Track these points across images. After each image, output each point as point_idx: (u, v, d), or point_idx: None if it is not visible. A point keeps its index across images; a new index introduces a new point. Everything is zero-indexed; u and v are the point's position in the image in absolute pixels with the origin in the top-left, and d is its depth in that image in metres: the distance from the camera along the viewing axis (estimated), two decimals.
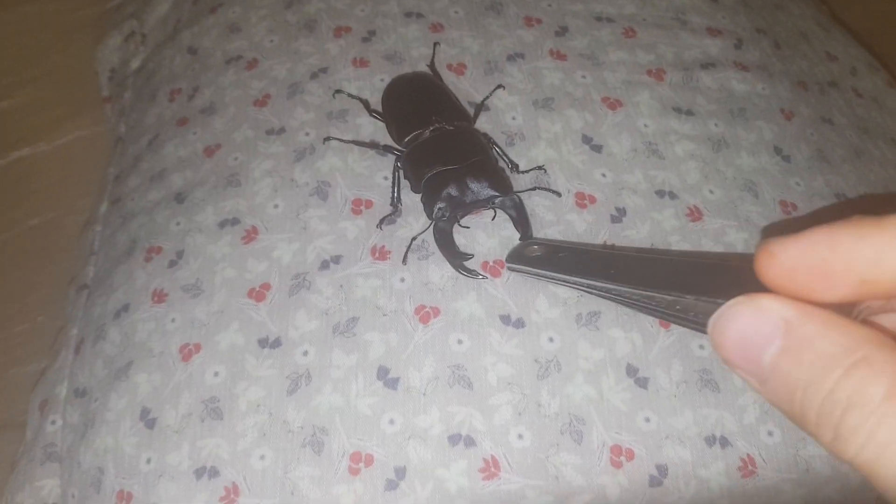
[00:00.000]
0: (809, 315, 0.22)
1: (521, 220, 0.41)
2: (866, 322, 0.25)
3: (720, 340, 0.24)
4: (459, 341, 0.39)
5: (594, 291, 0.34)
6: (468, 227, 0.43)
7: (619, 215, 0.44)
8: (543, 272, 0.37)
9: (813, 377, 0.21)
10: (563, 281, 0.35)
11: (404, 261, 0.42)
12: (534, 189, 0.44)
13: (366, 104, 0.49)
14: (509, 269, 0.39)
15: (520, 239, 0.41)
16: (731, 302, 0.24)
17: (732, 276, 0.25)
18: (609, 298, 0.34)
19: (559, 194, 0.44)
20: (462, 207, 0.41)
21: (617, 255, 0.35)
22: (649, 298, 0.30)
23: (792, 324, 0.22)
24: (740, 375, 0.24)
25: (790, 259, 0.23)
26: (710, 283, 0.28)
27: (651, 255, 0.35)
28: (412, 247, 0.42)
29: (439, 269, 0.41)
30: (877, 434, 0.20)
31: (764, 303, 0.23)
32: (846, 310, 0.24)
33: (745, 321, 0.23)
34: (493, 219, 0.43)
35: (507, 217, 0.42)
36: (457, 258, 0.40)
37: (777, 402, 0.23)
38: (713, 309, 0.25)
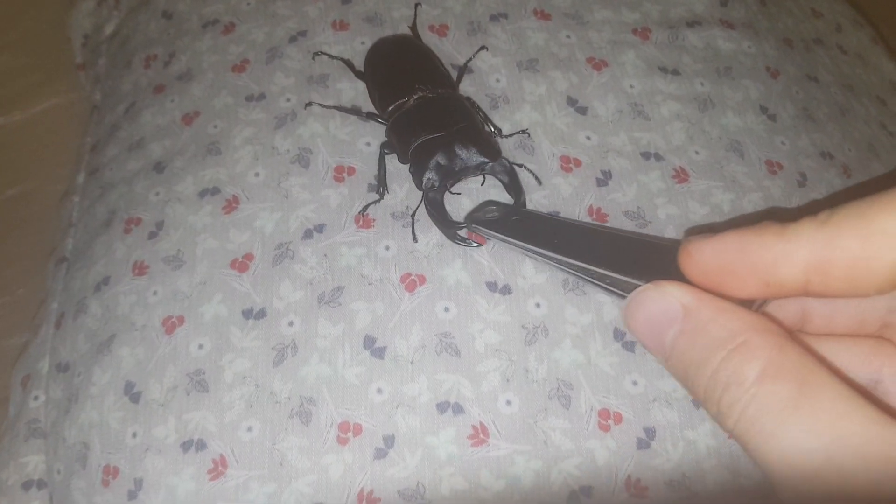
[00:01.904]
0: (705, 302, 0.25)
1: (513, 184, 0.41)
2: (764, 312, 0.27)
3: (631, 321, 0.27)
4: (446, 309, 0.39)
5: (539, 258, 0.36)
6: (458, 194, 0.42)
7: (604, 178, 0.44)
8: (496, 234, 0.37)
9: (703, 358, 0.24)
10: (513, 245, 0.37)
11: (415, 239, 0.41)
12: (521, 166, 0.43)
13: (349, 64, 0.48)
14: (468, 229, 0.40)
15: (514, 203, 0.41)
16: (641, 288, 0.27)
17: (665, 258, 0.27)
18: (553, 266, 0.35)
19: (540, 182, 0.43)
20: (452, 176, 0.40)
21: (563, 225, 0.37)
22: (585, 270, 0.32)
23: (689, 309, 0.25)
24: (650, 352, 0.27)
25: (704, 260, 0.26)
26: (641, 261, 0.30)
27: (594, 228, 0.37)
28: (401, 214, 0.41)
29: (424, 237, 0.41)
30: (748, 410, 0.23)
31: (668, 289, 0.26)
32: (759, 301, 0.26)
33: (651, 305, 0.26)
34: (482, 183, 0.42)
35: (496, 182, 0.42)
36: (450, 228, 0.40)
37: (677, 377, 0.26)
38: (635, 288, 0.28)
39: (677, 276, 0.27)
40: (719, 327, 0.24)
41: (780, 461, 0.22)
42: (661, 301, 0.26)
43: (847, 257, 0.23)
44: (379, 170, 0.43)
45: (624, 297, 0.30)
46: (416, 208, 0.41)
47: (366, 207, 0.42)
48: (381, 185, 0.43)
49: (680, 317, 0.25)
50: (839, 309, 0.28)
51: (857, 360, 0.28)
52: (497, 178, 0.41)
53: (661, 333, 0.26)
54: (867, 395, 0.25)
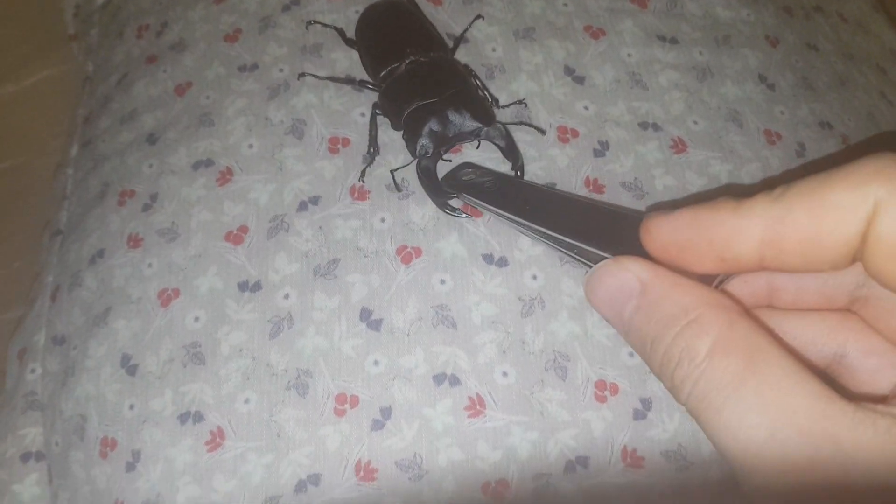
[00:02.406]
0: (661, 277, 0.26)
1: (509, 149, 0.40)
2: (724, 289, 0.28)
3: (591, 296, 0.28)
4: (442, 281, 0.39)
5: (511, 224, 0.36)
6: (450, 161, 0.42)
7: (602, 149, 0.43)
8: (470, 198, 0.38)
9: (658, 333, 0.25)
10: (485, 209, 0.37)
11: (398, 188, 0.41)
12: (518, 123, 0.43)
13: (341, 33, 0.47)
14: (460, 199, 0.39)
15: (511, 169, 0.41)
16: (602, 263, 0.27)
17: (635, 231, 0.27)
18: (523, 233, 0.36)
19: (543, 132, 0.43)
20: (446, 142, 0.40)
21: (535, 192, 0.37)
22: (554, 239, 0.32)
23: (646, 285, 0.26)
24: (611, 325, 0.28)
25: (662, 236, 0.26)
26: (611, 233, 0.30)
27: (565, 197, 0.37)
28: (394, 179, 0.41)
29: (420, 209, 0.41)
30: (698, 385, 0.23)
31: (626, 264, 0.26)
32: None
33: (610, 280, 0.27)
34: (477, 147, 0.42)
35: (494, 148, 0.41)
36: (441, 197, 0.40)
37: (636, 350, 0.26)
38: (600, 259, 0.29)
39: (644, 250, 0.27)
40: (673, 303, 0.25)
41: (726, 436, 0.23)
42: (619, 276, 0.26)
43: (799, 233, 0.23)
44: (370, 131, 0.42)
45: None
46: (401, 167, 0.41)
47: (362, 173, 0.42)
48: (371, 146, 0.42)
49: (637, 292, 0.26)
50: (807, 284, 0.28)
51: (822, 335, 0.29)
52: (493, 143, 0.41)
53: (620, 308, 0.26)
54: (817, 370, 0.25)
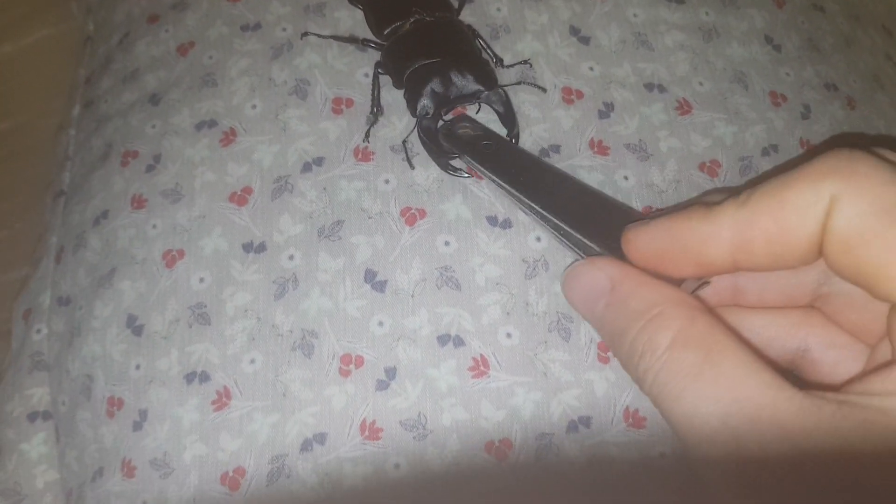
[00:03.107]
0: (630, 276, 0.28)
1: (507, 115, 0.40)
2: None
3: (568, 292, 0.30)
4: (446, 243, 0.39)
5: (502, 192, 0.37)
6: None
7: (606, 111, 0.43)
8: (472, 161, 0.38)
9: (623, 327, 0.27)
10: (485, 175, 0.37)
11: (411, 166, 0.41)
12: (519, 83, 0.43)
13: None
14: (462, 161, 0.39)
15: (507, 135, 0.41)
16: (577, 263, 0.30)
17: (619, 224, 0.29)
18: (518, 207, 0.36)
19: (545, 90, 0.43)
20: (447, 103, 0.40)
21: (532, 163, 0.37)
22: (543, 217, 0.34)
23: (615, 283, 0.28)
24: (586, 321, 0.30)
25: (641, 246, 0.28)
26: (597, 222, 0.32)
27: (561, 174, 0.37)
28: (401, 147, 0.41)
29: (424, 171, 0.41)
30: (659, 376, 0.25)
31: (599, 264, 0.29)
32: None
33: (584, 279, 0.29)
34: (477, 111, 0.42)
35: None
36: (443, 157, 0.40)
37: (607, 344, 0.29)
38: (586, 248, 0.31)
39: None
40: (639, 299, 0.27)
41: (683, 424, 0.24)
42: (592, 275, 0.29)
43: (764, 234, 0.24)
44: (373, 90, 0.42)
45: (576, 254, 0.33)
46: (409, 134, 0.41)
47: (366, 134, 0.42)
48: (374, 106, 0.42)
49: (608, 290, 0.28)
50: (770, 284, 0.30)
51: (785, 331, 0.30)
52: (492, 107, 0.41)
53: (593, 305, 0.29)
54: (772, 363, 0.27)
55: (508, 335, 0.38)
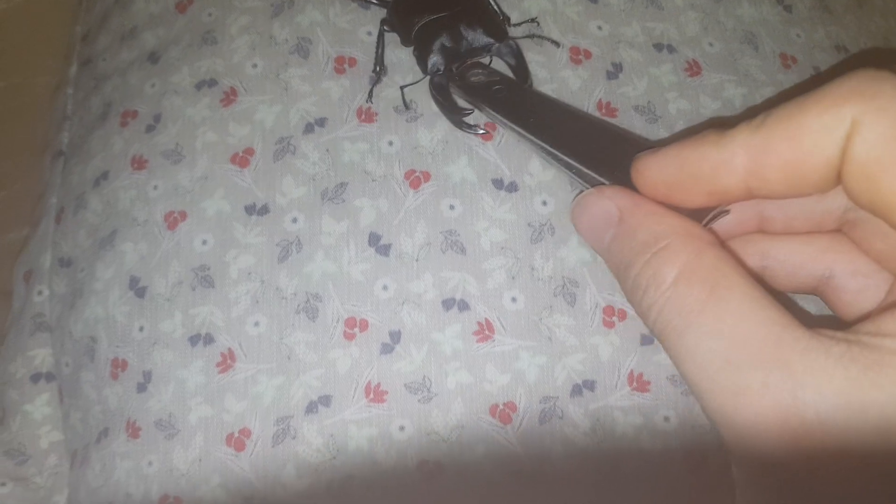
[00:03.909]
0: (639, 206, 0.27)
1: (519, 66, 0.40)
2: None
3: (576, 222, 0.29)
4: (451, 206, 0.39)
5: (514, 134, 0.37)
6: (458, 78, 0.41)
7: (615, 71, 0.42)
8: (487, 109, 0.37)
9: (629, 260, 0.26)
10: (499, 122, 0.37)
11: (407, 107, 0.40)
12: (532, 37, 0.42)
13: None
14: (477, 109, 0.39)
15: (500, 73, 0.40)
16: (586, 192, 0.29)
17: (633, 156, 0.28)
18: (533, 150, 0.35)
19: (558, 45, 0.42)
20: (458, 58, 0.39)
21: (543, 104, 0.37)
22: (554, 155, 0.33)
23: (624, 214, 0.27)
24: (595, 252, 0.29)
25: (651, 176, 0.27)
26: (611, 156, 0.30)
27: (572, 111, 0.37)
28: (403, 96, 0.41)
29: (429, 132, 0.40)
30: (663, 311, 0.24)
31: (608, 193, 0.28)
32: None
33: (593, 208, 0.28)
34: (489, 64, 0.41)
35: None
36: (456, 114, 0.39)
37: (613, 275, 0.28)
38: (597, 182, 0.30)
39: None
40: (646, 231, 0.26)
41: (686, 360, 0.24)
42: (601, 204, 0.28)
43: (780, 160, 0.23)
44: (377, 49, 0.41)
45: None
46: (410, 84, 0.40)
47: (370, 94, 0.41)
48: (377, 65, 0.41)
49: (616, 220, 0.27)
50: (796, 210, 0.29)
51: (810, 257, 0.29)
52: (503, 59, 0.40)
53: (601, 235, 0.28)
54: (783, 299, 0.26)
55: (513, 299, 0.37)
